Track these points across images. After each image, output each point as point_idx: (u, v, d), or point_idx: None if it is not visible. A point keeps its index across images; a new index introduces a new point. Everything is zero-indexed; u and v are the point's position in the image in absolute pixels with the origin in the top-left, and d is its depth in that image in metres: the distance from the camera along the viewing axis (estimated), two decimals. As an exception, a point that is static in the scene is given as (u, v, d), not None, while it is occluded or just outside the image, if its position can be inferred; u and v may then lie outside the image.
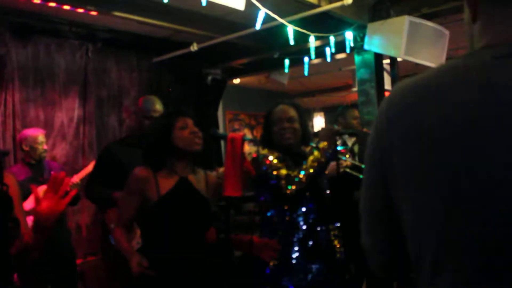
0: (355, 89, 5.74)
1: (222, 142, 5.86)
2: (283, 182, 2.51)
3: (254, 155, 2.65)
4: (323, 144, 2.60)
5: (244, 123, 9.33)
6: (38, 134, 4.20)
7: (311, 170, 2.53)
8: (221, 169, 3.10)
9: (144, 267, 2.08)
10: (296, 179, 2.50)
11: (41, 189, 3.94)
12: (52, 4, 4.21)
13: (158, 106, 3.25)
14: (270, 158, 2.58)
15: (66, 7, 4.29)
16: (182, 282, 2.21)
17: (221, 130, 7.87)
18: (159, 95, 6.02)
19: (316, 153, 2.58)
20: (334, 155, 2.66)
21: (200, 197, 2.36)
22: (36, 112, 4.99)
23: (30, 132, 4.22)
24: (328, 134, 2.65)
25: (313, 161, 2.55)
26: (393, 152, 0.88)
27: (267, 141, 2.72)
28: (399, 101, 0.91)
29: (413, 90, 0.89)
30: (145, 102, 3.32)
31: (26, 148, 4.13)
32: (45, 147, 4.24)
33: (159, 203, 2.24)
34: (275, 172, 2.53)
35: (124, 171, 3.02)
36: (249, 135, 9.18)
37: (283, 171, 2.53)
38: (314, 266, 2.51)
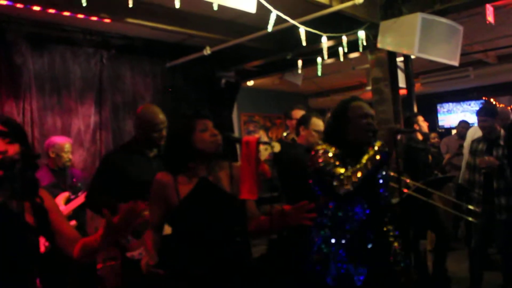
0: (369, 88, 5.73)
1: (238, 146, 5.88)
2: (336, 181, 2.42)
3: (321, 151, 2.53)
4: (378, 143, 2.48)
5: (259, 124, 9.35)
6: (65, 143, 4.29)
7: (364, 171, 2.40)
8: None
9: (150, 267, 2.15)
10: (349, 179, 2.40)
11: (63, 196, 4.01)
12: (67, 13, 4.27)
13: (162, 116, 3.13)
14: (330, 154, 2.51)
15: (80, 15, 4.34)
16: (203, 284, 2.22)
17: (236, 132, 7.89)
18: (173, 99, 6.13)
19: (371, 151, 2.46)
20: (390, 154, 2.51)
21: (223, 195, 2.35)
22: (54, 120, 5.08)
23: (58, 139, 4.32)
24: (387, 132, 2.52)
25: (367, 160, 2.44)
26: None
27: (336, 136, 2.59)
28: None
29: None
30: (149, 115, 3.13)
31: (52, 155, 4.23)
32: (70, 156, 4.32)
33: (180, 207, 2.26)
34: (332, 169, 2.45)
35: (127, 179, 2.98)
36: (264, 137, 9.18)
37: (340, 170, 2.44)
38: (360, 269, 2.44)
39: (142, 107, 3.31)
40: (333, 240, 2.48)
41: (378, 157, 2.43)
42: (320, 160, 2.50)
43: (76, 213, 4.06)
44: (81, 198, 3.98)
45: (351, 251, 2.45)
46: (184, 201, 2.26)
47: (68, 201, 4.06)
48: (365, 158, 2.44)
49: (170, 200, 2.28)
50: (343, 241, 2.47)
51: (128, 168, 3.01)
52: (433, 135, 7.14)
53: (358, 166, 2.43)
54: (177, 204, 2.26)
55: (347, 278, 2.43)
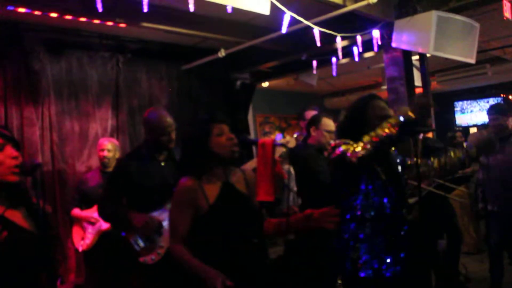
0: (384, 87, 5.69)
1: (254, 148, 5.89)
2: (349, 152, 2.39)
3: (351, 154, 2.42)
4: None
5: (274, 125, 9.35)
6: (103, 141, 4.50)
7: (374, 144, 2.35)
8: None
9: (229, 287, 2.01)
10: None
11: None
12: (83, 19, 4.33)
13: (169, 119, 3.09)
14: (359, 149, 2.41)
15: (96, 21, 4.40)
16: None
17: (252, 133, 7.91)
18: (189, 101, 6.16)
19: (392, 120, 2.40)
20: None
21: (245, 198, 2.35)
22: (72, 124, 5.15)
23: (100, 140, 4.57)
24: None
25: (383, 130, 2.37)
26: None
27: (353, 134, 2.52)
28: None
29: None
30: (155, 119, 3.09)
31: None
32: (105, 153, 4.40)
33: (210, 211, 2.23)
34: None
35: (138, 184, 2.97)
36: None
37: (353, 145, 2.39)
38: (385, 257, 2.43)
39: (148, 111, 3.25)
40: (362, 234, 2.46)
41: (393, 130, 2.32)
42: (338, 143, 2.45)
43: None
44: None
45: (382, 242, 2.43)
46: (214, 205, 2.24)
47: None
48: (382, 129, 2.36)
49: (199, 205, 2.24)
50: (374, 233, 2.45)
51: (139, 174, 2.99)
52: (458, 134, 7.16)
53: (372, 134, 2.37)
54: (206, 209, 2.24)
55: (378, 270, 2.41)
